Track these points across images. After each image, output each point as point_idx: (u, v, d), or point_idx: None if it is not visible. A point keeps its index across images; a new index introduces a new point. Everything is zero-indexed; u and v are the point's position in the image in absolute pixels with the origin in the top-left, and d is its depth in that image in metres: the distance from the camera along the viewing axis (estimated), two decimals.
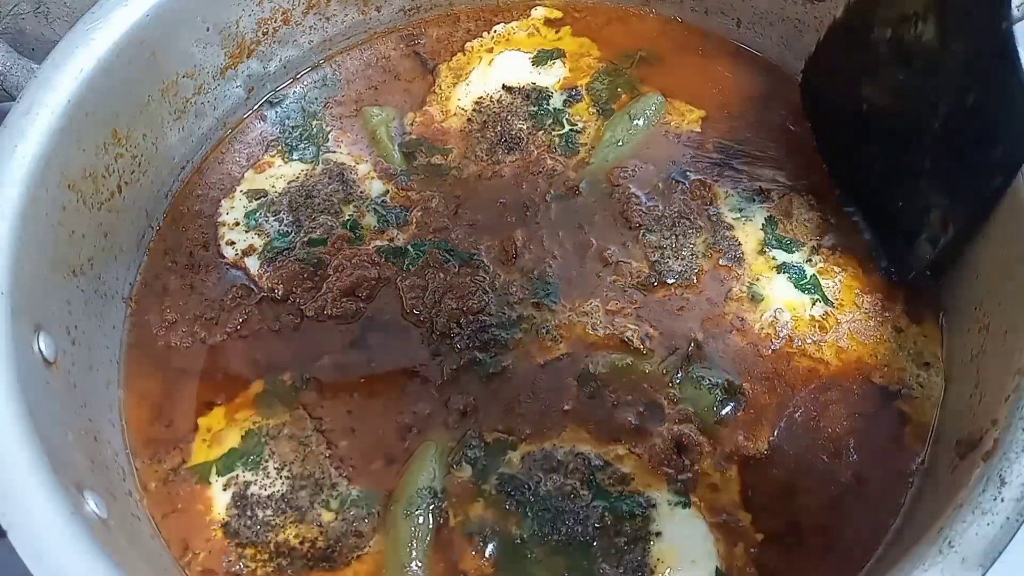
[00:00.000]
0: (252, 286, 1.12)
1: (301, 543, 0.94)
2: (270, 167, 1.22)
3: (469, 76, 1.30)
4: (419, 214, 1.16)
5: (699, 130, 1.23)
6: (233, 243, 1.15)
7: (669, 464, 0.96)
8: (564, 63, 1.30)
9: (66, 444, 0.88)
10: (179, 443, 1.01)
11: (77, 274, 1.01)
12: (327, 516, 0.95)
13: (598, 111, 1.25)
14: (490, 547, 0.92)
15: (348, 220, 1.16)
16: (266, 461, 0.98)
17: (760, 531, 0.93)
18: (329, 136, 1.25)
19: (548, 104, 1.26)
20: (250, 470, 0.98)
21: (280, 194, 1.18)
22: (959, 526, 0.74)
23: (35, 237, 0.92)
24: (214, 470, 0.98)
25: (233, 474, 0.98)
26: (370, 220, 1.16)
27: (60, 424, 0.89)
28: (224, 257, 1.14)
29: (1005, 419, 0.80)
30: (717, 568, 0.91)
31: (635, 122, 1.22)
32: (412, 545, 0.92)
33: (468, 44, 1.34)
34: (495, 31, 1.35)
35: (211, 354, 1.07)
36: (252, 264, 1.13)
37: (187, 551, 0.94)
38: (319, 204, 1.17)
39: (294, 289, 1.10)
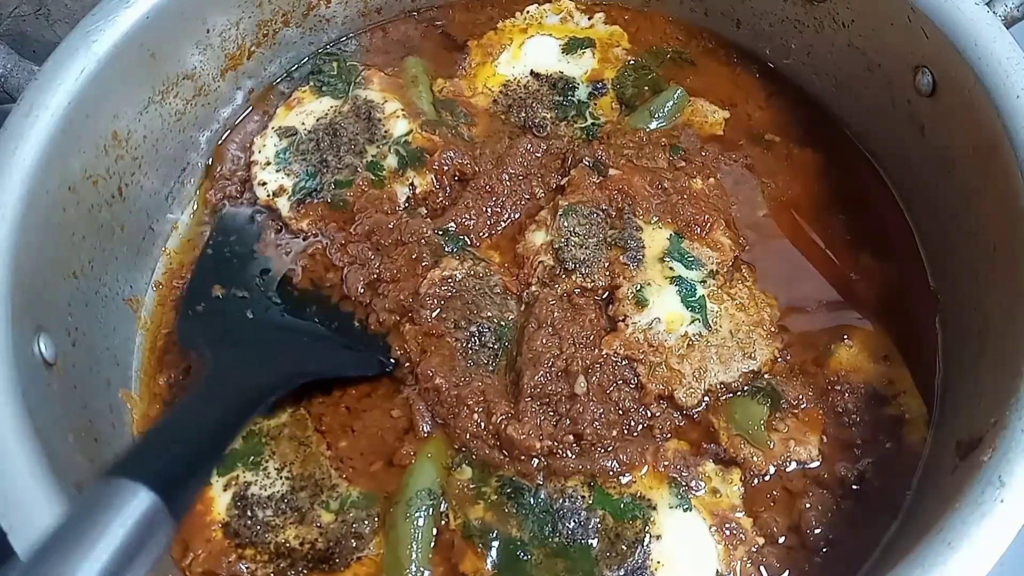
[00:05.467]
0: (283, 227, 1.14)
1: (301, 544, 0.94)
2: (300, 104, 1.23)
3: (499, 57, 1.29)
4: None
5: (720, 133, 1.22)
6: (265, 183, 1.17)
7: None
8: (594, 53, 1.29)
9: (66, 445, 0.88)
10: None
11: (77, 276, 1.01)
12: (327, 517, 0.95)
13: (622, 107, 1.25)
14: (491, 549, 0.92)
15: (371, 161, 1.16)
16: (266, 461, 0.99)
17: (761, 534, 0.93)
18: (362, 73, 1.26)
19: (574, 95, 1.25)
20: (250, 470, 0.98)
21: (309, 132, 1.19)
22: (959, 527, 0.74)
23: (35, 239, 0.92)
24: (215, 471, 0.98)
25: (233, 474, 0.98)
26: (391, 161, 1.17)
27: (60, 425, 0.89)
28: (258, 198, 1.16)
29: (1005, 420, 0.79)
30: (718, 571, 0.91)
31: (655, 118, 1.22)
32: (412, 547, 0.91)
33: (500, 23, 1.33)
34: (528, 12, 1.34)
35: None
36: (283, 205, 1.15)
37: (187, 552, 0.94)
38: (345, 144, 1.18)
39: (324, 229, 1.12)
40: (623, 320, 1.02)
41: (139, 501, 0.67)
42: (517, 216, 1.15)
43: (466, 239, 1.12)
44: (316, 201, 1.14)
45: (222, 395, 0.89)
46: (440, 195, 1.16)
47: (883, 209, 1.16)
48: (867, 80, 1.16)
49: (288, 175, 1.17)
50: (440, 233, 1.12)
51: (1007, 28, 0.98)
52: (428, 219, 1.14)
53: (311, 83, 1.26)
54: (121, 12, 1.04)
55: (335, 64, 1.28)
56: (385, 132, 1.19)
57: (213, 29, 1.17)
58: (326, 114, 1.21)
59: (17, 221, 0.90)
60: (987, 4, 1.00)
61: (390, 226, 1.10)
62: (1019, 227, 0.90)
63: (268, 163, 1.18)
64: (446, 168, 1.16)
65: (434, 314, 1.04)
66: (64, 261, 0.99)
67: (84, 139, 1.01)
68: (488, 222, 1.14)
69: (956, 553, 0.73)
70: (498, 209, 1.14)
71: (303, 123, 1.21)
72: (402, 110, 1.21)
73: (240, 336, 1.01)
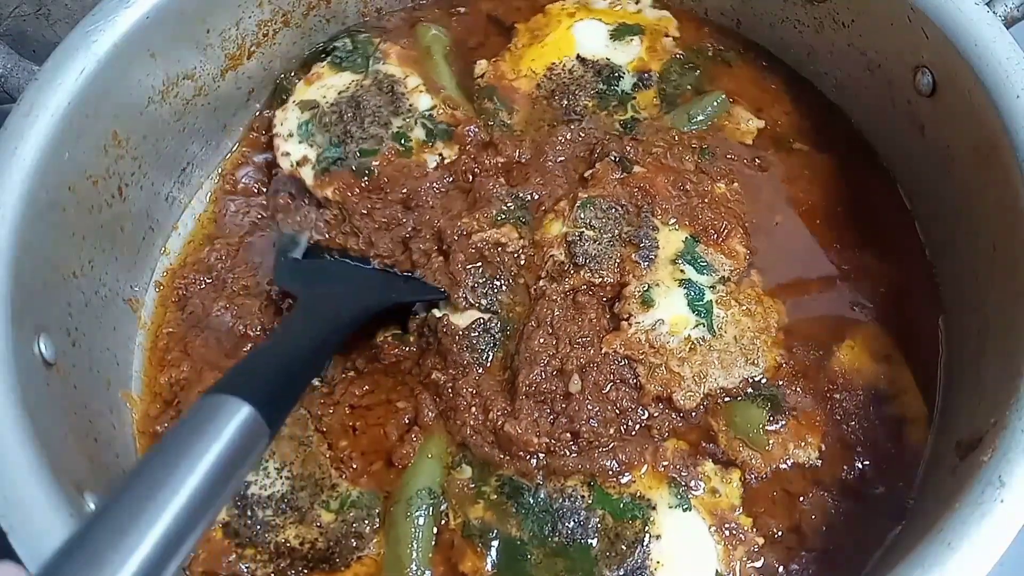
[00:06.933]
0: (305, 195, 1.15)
1: (301, 544, 0.94)
2: (320, 79, 1.23)
3: (545, 40, 1.27)
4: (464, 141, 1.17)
5: (749, 142, 1.20)
6: (288, 154, 1.17)
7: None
8: (642, 41, 1.26)
9: (66, 446, 0.88)
10: None
11: (78, 276, 1.01)
12: (327, 517, 0.95)
13: (662, 102, 1.22)
14: (491, 549, 0.92)
15: (397, 132, 1.17)
16: (266, 461, 0.98)
17: (761, 534, 0.93)
18: (379, 48, 1.26)
19: (618, 85, 1.23)
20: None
21: (331, 105, 1.20)
22: (959, 527, 0.74)
23: (35, 239, 0.93)
24: None
25: None
26: (418, 133, 1.17)
27: (60, 426, 0.89)
28: (280, 168, 1.17)
29: (1005, 420, 0.79)
30: (717, 571, 0.91)
31: (692, 121, 1.19)
32: (412, 547, 0.92)
33: (548, 6, 1.31)
34: None
35: (228, 342, 1.09)
36: (307, 174, 1.15)
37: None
38: (368, 116, 1.18)
39: (348, 197, 1.12)
40: (627, 319, 1.01)
41: (240, 414, 0.74)
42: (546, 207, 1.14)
43: (533, 215, 1.11)
44: (341, 169, 1.14)
45: (311, 322, 0.98)
46: (466, 161, 1.15)
47: (887, 210, 1.15)
48: (867, 80, 1.16)
49: (312, 146, 1.17)
50: (513, 197, 1.11)
51: (1007, 28, 0.98)
52: (501, 179, 1.13)
53: (328, 60, 1.26)
54: (121, 12, 1.04)
55: (348, 40, 1.28)
56: (410, 106, 1.20)
57: (213, 29, 1.17)
58: (347, 87, 1.22)
59: (17, 221, 0.90)
60: (987, 4, 1.00)
61: (425, 187, 1.12)
62: (1019, 227, 0.90)
63: (291, 135, 1.19)
64: (470, 140, 1.16)
65: (468, 266, 1.05)
66: (64, 261, 0.99)
67: (84, 139, 1.01)
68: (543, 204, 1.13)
69: (956, 553, 0.73)
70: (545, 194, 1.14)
71: (324, 97, 1.21)
72: (423, 84, 1.21)
73: (325, 274, 1.11)
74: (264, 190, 1.22)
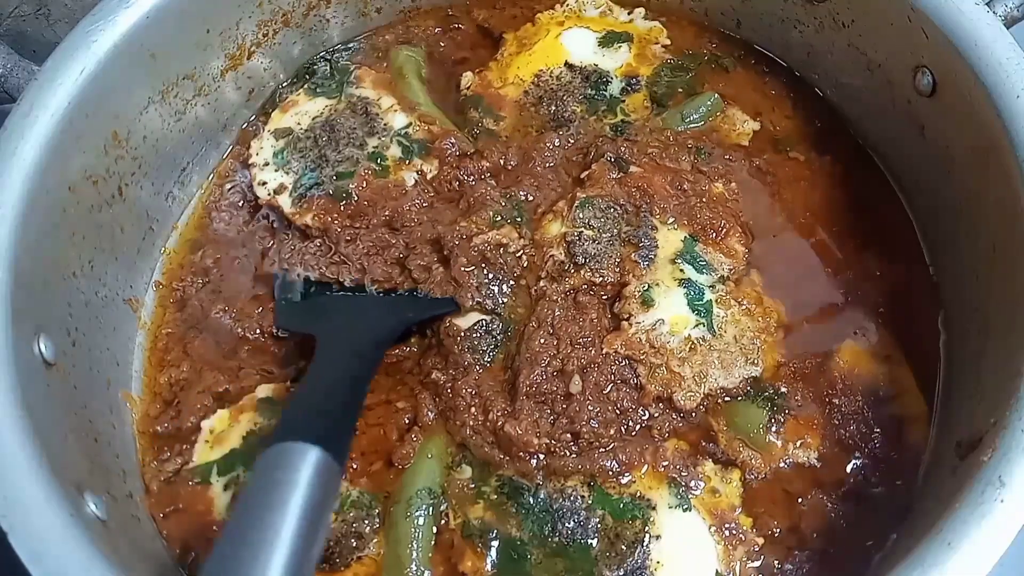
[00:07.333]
0: (286, 224, 1.15)
1: None
2: (295, 105, 1.23)
3: (533, 48, 1.27)
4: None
5: (745, 144, 1.19)
6: (265, 183, 1.17)
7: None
8: (630, 48, 1.27)
9: (66, 446, 0.88)
10: (183, 444, 1.02)
11: (78, 276, 1.01)
12: None
13: (653, 106, 1.22)
14: (490, 549, 0.92)
15: (373, 152, 1.16)
16: None
17: (761, 534, 0.93)
18: (353, 73, 1.26)
19: (606, 89, 1.23)
20: (251, 470, 0.98)
21: (305, 131, 1.20)
22: (959, 527, 0.74)
23: (36, 239, 0.93)
24: (215, 470, 0.98)
25: (234, 474, 0.98)
26: (394, 151, 1.17)
27: (60, 426, 0.89)
28: (258, 198, 1.16)
29: (1005, 420, 0.79)
30: (717, 571, 0.91)
31: (686, 121, 1.20)
32: (412, 546, 0.92)
33: (538, 16, 1.31)
34: (567, 4, 1.32)
35: (227, 343, 1.10)
36: (284, 202, 1.15)
37: (187, 551, 0.94)
38: (343, 138, 1.18)
39: (329, 223, 1.11)
40: (627, 319, 1.01)
41: (311, 457, 0.75)
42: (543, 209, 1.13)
43: (529, 215, 1.11)
44: (318, 195, 1.14)
45: (340, 358, 0.97)
46: (450, 174, 1.14)
47: (887, 210, 1.15)
48: (867, 80, 1.16)
49: (288, 173, 1.17)
50: (507, 198, 1.11)
51: (1007, 28, 0.98)
52: (491, 181, 1.13)
53: (305, 86, 1.26)
54: (121, 12, 1.04)
55: (328, 65, 1.29)
56: (385, 125, 1.19)
57: (213, 29, 1.17)
58: (321, 113, 1.21)
59: (17, 221, 0.90)
60: (987, 4, 1.00)
61: (406, 207, 1.11)
62: (1019, 227, 0.90)
63: (267, 163, 1.19)
64: (449, 153, 1.16)
65: (470, 268, 1.04)
66: (64, 261, 0.99)
67: (84, 139, 1.01)
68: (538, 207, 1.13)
69: (956, 553, 0.73)
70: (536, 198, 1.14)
71: (299, 123, 1.21)
72: (397, 104, 1.21)
73: (332, 310, 1.08)
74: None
